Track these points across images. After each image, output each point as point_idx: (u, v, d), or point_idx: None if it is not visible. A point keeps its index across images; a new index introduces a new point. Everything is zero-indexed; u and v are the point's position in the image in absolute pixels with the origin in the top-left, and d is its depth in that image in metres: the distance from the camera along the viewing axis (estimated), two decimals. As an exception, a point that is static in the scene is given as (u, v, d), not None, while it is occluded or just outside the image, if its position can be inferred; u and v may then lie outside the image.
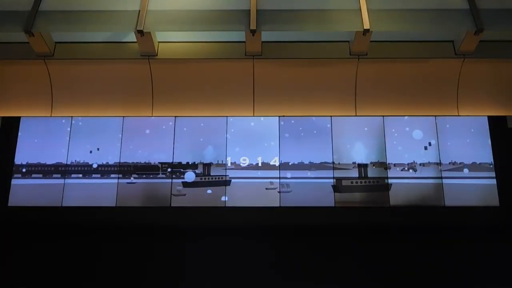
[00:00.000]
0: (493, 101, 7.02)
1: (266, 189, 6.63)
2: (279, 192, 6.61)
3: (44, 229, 6.66)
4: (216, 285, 6.36)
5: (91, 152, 6.90)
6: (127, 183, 6.76)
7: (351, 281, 6.30)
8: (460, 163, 6.70)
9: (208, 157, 6.87)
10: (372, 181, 6.50)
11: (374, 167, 6.62)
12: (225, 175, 6.73)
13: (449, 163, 6.74)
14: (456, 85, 7.03)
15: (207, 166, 6.81)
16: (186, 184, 6.77)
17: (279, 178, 6.73)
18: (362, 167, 6.45)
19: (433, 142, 6.82)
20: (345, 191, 6.36)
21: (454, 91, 7.05)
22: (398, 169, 6.65)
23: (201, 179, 6.76)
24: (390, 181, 6.55)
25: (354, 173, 6.69)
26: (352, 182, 6.36)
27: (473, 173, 6.62)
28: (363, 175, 6.37)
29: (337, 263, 6.44)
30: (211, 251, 6.53)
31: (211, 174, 6.76)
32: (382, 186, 6.47)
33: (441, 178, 6.66)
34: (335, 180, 6.50)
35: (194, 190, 6.73)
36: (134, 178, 6.77)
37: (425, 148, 6.76)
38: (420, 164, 6.69)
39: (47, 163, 6.88)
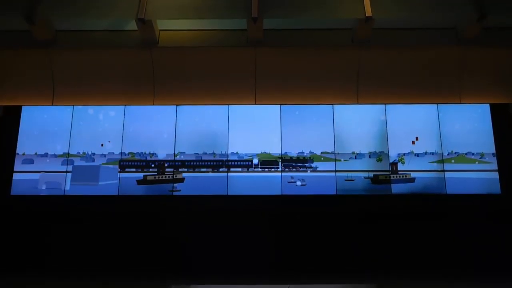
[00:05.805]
0: (496, 88, 7.00)
1: (288, 182, 6.75)
2: (298, 185, 6.75)
3: (47, 217, 6.70)
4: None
5: (102, 145, 6.93)
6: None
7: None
8: (456, 152, 6.88)
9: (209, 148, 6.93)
10: (402, 175, 6.81)
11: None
12: (179, 172, 6.82)
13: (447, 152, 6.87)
14: (458, 73, 7.00)
15: (161, 164, 6.85)
16: (140, 182, 6.78)
17: (281, 172, 6.78)
18: (393, 164, 6.88)
19: (436, 131, 6.92)
20: (381, 183, 6.83)
21: (456, 78, 7.03)
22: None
23: (154, 177, 6.80)
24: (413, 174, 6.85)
25: (352, 163, 6.82)
26: (386, 177, 6.81)
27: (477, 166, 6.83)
28: (394, 170, 6.88)
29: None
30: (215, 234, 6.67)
31: (166, 172, 6.83)
32: (409, 179, 6.83)
33: (443, 171, 6.77)
34: (372, 174, 6.87)
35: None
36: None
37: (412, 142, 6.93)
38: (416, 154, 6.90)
39: (51, 153, 6.91)
